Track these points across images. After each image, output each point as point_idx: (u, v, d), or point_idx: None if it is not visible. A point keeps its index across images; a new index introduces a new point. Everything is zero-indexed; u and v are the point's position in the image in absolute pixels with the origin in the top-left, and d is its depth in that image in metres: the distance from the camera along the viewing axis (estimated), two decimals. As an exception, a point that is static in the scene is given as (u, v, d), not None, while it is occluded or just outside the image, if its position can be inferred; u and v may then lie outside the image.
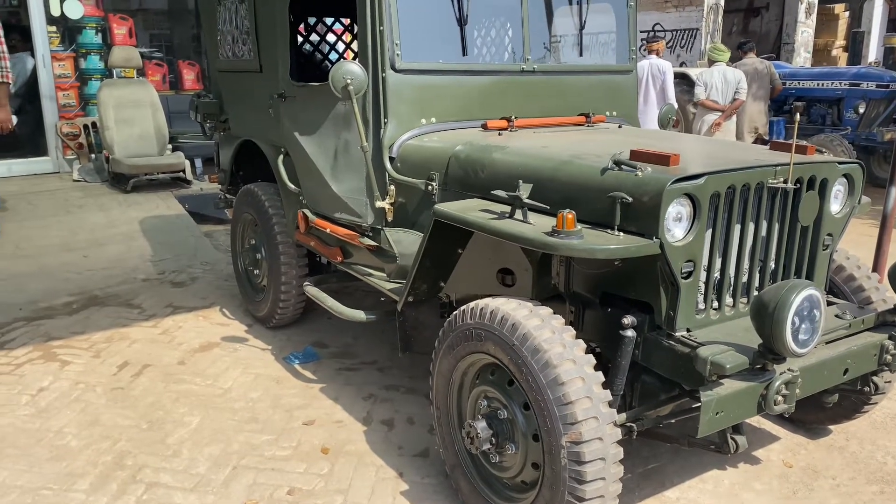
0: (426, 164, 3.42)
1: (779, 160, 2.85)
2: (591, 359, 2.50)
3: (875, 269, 3.90)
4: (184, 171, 8.01)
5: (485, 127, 3.62)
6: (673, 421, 2.84)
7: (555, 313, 3.07)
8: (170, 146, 8.19)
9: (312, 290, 4.01)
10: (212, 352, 4.52)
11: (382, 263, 3.65)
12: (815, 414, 3.68)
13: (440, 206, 3.00)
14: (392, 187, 3.52)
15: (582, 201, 2.75)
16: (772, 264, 3.00)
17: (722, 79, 9.10)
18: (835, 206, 3.13)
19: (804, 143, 3.13)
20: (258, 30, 4.37)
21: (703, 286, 2.78)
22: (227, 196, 5.34)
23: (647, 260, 2.63)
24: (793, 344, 2.34)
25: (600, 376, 2.47)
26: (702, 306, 2.79)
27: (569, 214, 2.53)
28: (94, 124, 8.32)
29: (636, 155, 2.74)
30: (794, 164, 2.83)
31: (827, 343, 2.80)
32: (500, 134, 3.53)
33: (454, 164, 3.31)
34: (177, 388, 4.04)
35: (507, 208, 2.80)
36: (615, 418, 2.45)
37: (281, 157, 4.26)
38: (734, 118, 9.56)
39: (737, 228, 2.81)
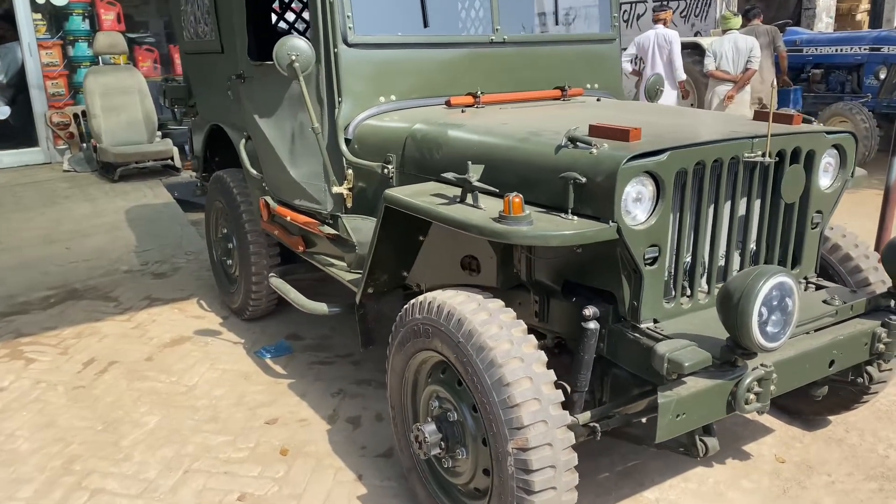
0: (383, 145, 3.19)
1: (758, 132, 2.58)
2: (542, 356, 2.27)
3: (877, 246, 3.61)
4: (172, 159, 7.84)
5: (448, 104, 3.37)
6: (644, 420, 2.61)
7: (520, 303, 2.88)
8: (159, 133, 8.02)
9: (276, 282, 3.82)
10: (182, 346, 4.35)
11: (342, 253, 3.44)
12: (811, 405, 3.42)
13: (390, 191, 2.78)
14: (350, 171, 3.29)
15: (537, 183, 2.51)
16: (753, 246, 2.74)
17: (733, 48, 8.72)
18: (824, 180, 2.85)
19: (790, 111, 2.85)
20: (217, 7, 4.15)
21: (671, 273, 2.54)
22: (203, 183, 5.15)
23: (606, 246, 2.39)
24: (760, 337, 2.09)
25: (551, 375, 2.24)
26: (672, 295, 2.54)
27: (515, 198, 2.29)
28: (84, 113, 8.18)
29: (595, 130, 2.49)
30: (774, 135, 2.56)
31: (811, 332, 2.54)
32: (463, 111, 3.28)
33: (410, 145, 3.07)
34: (140, 386, 3.88)
35: (461, 192, 2.57)
36: (568, 421, 2.22)
37: (243, 141, 4.05)
38: (748, 89, 9.17)
39: (710, 208, 2.55)
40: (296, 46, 2.99)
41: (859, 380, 2.78)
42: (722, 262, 2.65)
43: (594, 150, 2.35)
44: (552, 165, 2.46)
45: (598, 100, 3.74)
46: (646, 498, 3.00)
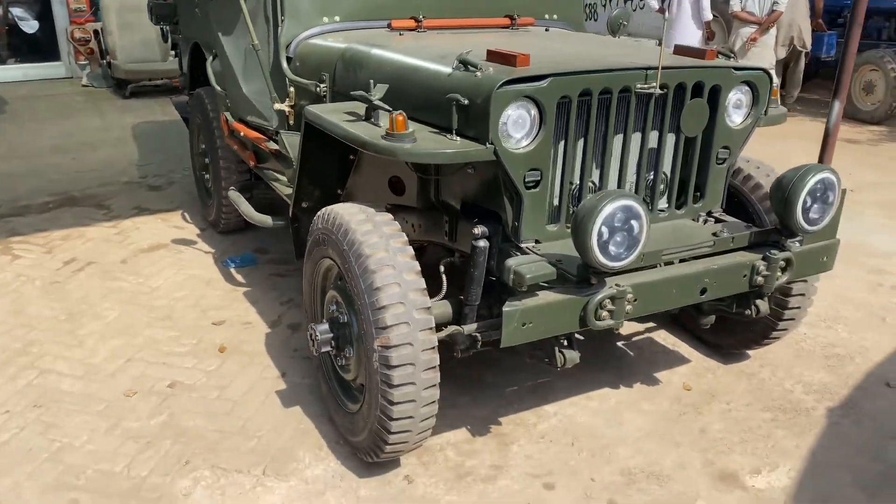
0: (320, 65, 3.33)
1: (655, 63, 2.63)
2: (415, 265, 2.44)
3: None
4: (184, 78, 8.06)
5: (390, 27, 3.47)
6: None
7: (435, 223, 3.04)
8: (173, 52, 8.20)
9: (232, 195, 4.03)
10: (157, 252, 4.65)
11: (284, 168, 3.62)
12: (728, 338, 3.54)
13: (311, 107, 2.93)
14: (291, 90, 3.44)
15: (434, 104, 2.63)
16: (650, 176, 2.83)
17: (759, -12, 8.45)
18: (735, 116, 2.90)
19: (703, 47, 2.88)
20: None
21: (556, 197, 2.66)
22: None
23: (493, 168, 2.52)
24: (600, 256, 2.22)
25: (419, 283, 2.41)
26: (557, 218, 2.67)
27: (399, 116, 2.43)
28: (103, 29, 8.43)
29: (491, 55, 2.59)
30: (670, 68, 2.62)
31: (688, 260, 2.64)
32: (401, 34, 3.38)
33: (340, 65, 3.20)
34: (109, 285, 4.19)
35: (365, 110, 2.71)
36: (430, 325, 2.39)
37: (210, 58, 4.22)
38: (773, 32, 8.90)
39: (598, 137, 2.64)
40: None
41: (746, 311, 2.88)
42: (627, 190, 2.75)
43: (478, 74, 2.45)
44: (445, 87, 2.57)
45: (546, 30, 3.79)
46: (545, 411, 3.19)
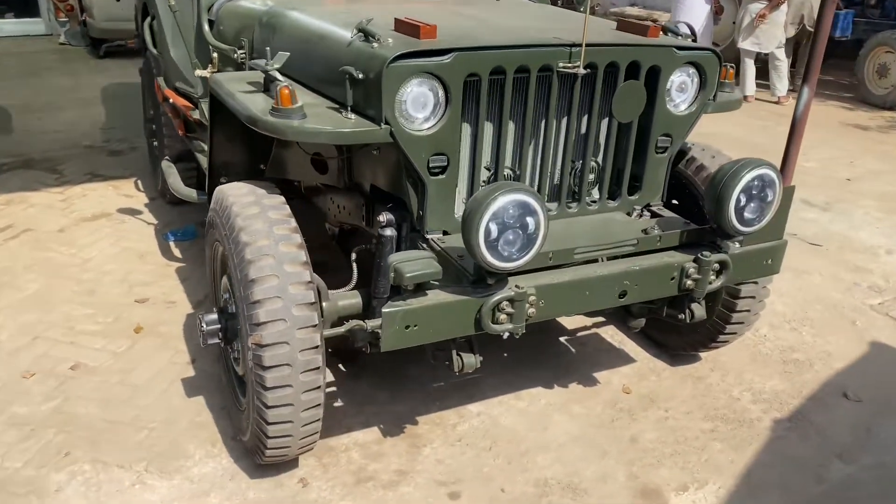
0: (241, 29, 3.09)
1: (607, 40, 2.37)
2: (299, 255, 2.21)
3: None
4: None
5: (325, -11, 3.21)
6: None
7: (356, 207, 2.81)
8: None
9: (164, 165, 3.82)
10: (98, 222, 4.46)
11: (206, 139, 3.39)
12: (674, 338, 3.30)
13: (217, 75, 2.70)
14: (215, 55, 3.21)
15: (333, 76, 2.38)
16: (577, 164, 2.58)
17: (770, -39, 8.04)
18: (679, 101, 2.63)
19: (650, 22, 2.61)
20: None
21: (465, 184, 2.42)
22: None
23: (394, 150, 2.28)
24: (489, 256, 1.98)
25: (302, 275, 2.18)
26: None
27: (284, 89, 2.19)
28: (84, -14, 8.18)
29: (399, 25, 2.33)
30: (596, 45, 2.35)
31: (608, 260, 2.40)
32: (333, -2, 3.12)
33: (258, 30, 2.96)
34: (39, 255, 4.01)
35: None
36: (313, 322, 2.17)
37: (148, 19, 3.98)
38: (783, 8, 8.49)
39: (515, 120, 2.39)
40: None
41: (680, 316, 2.64)
42: (542, 179, 2.51)
43: (374, 45, 2.20)
44: (343, 59, 2.32)
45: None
46: (468, 410, 2.98)
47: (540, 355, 3.32)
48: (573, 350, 3.42)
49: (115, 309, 3.50)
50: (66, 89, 6.89)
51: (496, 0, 3.47)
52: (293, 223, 2.29)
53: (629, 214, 2.67)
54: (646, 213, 2.69)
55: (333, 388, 3.03)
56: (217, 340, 2.50)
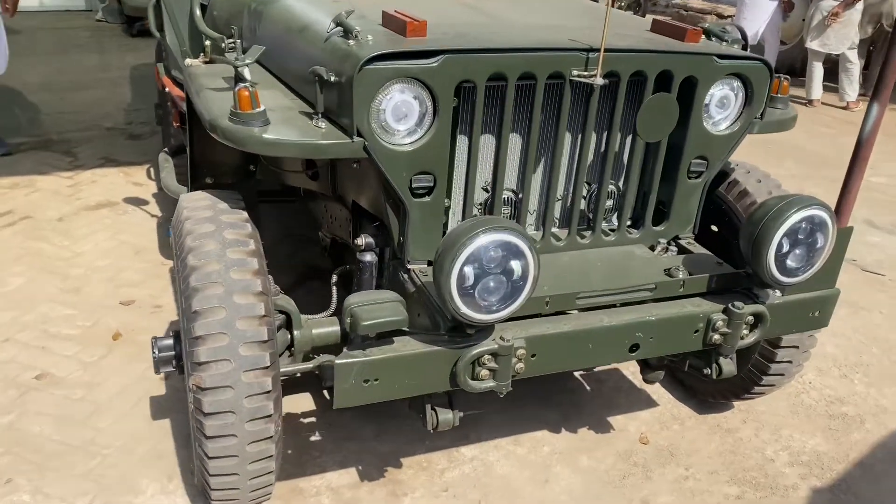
0: (232, 15, 2.79)
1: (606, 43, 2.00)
2: (255, 285, 1.91)
3: (837, 211, 2.90)
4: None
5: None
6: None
7: (346, 220, 2.50)
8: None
9: (162, 157, 3.56)
10: (100, 211, 4.25)
11: (196, 134, 3.11)
12: (705, 385, 2.91)
13: (195, 67, 2.42)
14: (208, 43, 2.91)
15: (308, 75, 2.06)
16: (593, 187, 2.21)
17: (845, -45, 7.43)
18: (718, 117, 2.24)
19: (684, 25, 2.21)
20: None
21: (459, 208, 2.08)
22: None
23: (373, 165, 1.95)
24: (463, 307, 1.64)
25: (256, 308, 1.88)
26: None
27: (244, 91, 1.88)
28: (123, -39, 8.03)
29: (387, 19, 2.00)
30: (616, 50, 1.98)
31: (619, 306, 2.03)
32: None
33: (246, 17, 2.65)
34: (31, 246, 3.81)
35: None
36: (265, 364, 1.87)
37: (152, 1, 3.71)
38: (859, 6, 7.84)
39: (519, 135, 2.04)
40: None
41: (705, 371, 2.25)
42: (549, 203, 2.15)
43: (351, 42, 1.87)
44: (318, 56, 2.00)
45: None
46: (461, 454, 2.66)
47: (550, 391, 2.96)
48: (588, 388, 3.05)
49: (96, 311, 3.27)
50: (93, 68, 6.74)
51: None
52: (252, 245, 1.99)
53: (653, 248, 2.29)
54: (673, 246, 2.31)
55: (313, 419, 2.74)
56: (171, 369, 2.21)
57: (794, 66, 9.14)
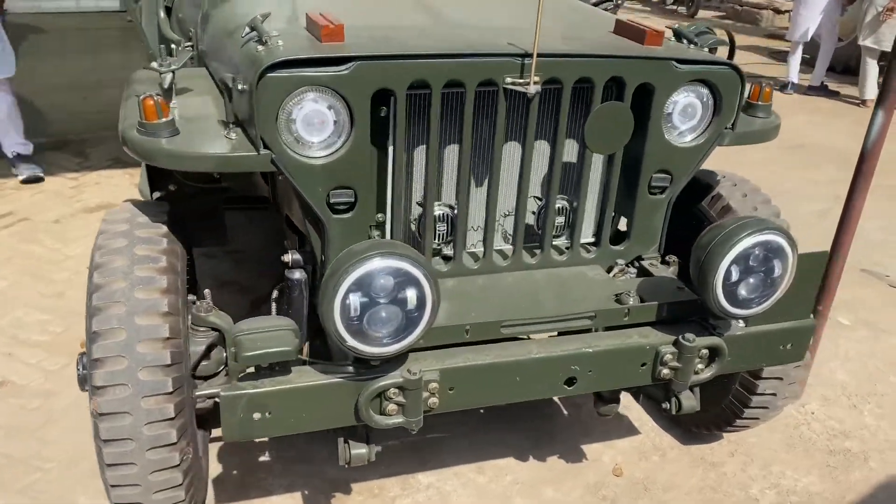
0: (190, 19, 2.70)
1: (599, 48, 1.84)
2: (161, 305, 1.80)
3: (837, 240, 2.62)
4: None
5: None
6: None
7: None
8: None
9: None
10: (98, 214, 4.23)
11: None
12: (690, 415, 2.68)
13: (141, 71, 2.34)
14: (173, 47, 2.83)
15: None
16: (535, 205, 2.04)
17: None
18: (683, 128, 2.04)
19: (645, 25, 2.01)
20: None
21: (385, 226, 1.93)
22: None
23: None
24: (350, 339, 1.50)
25: (159, 330, 1.77)
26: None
27: (147, 100, 1.78)
28: (158, -38, 8.10)
29: (309, 23, 1.87)
30: (569, 56, 1.81)
31: (556, 335, 1.86)
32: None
33: (200, 20, 2.56)
34: (23, 248, 3.82)
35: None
36: (167, 389, 1.76)
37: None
38: (917, 2, 7.36)
39: (452, 146, 1.89)
40: None
41: (664, 406, 2.05)
42: (489, 219, 1.99)
43: (260, 48, 1.75)
44: (237, 62, 1.89)
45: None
46: (417, 480, 2.51)
47: (520, 415, 2.78)
48: (565, 412, 2.87)
49: (71, 317, 3.23)
50: (118, 67, 6.75)
51: None
52: (163, 262, 1.88)
53: (610, 269, 2.10)
54: (632, 268, 2.12)
55: (264, 437, 2.63)
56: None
57: (849, 63, 8.66)
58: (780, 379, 2.31)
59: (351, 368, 1.65)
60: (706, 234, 1.73)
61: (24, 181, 4.53)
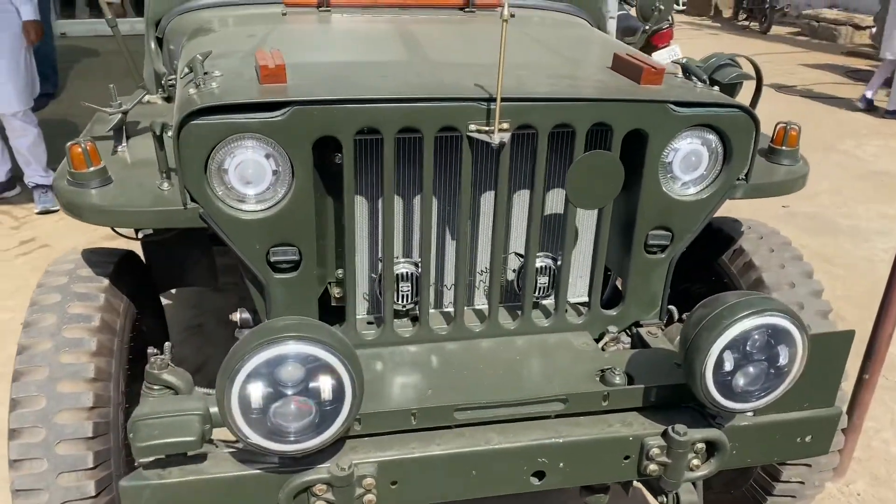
0: (175, 50, 2.57)
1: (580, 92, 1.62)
2: (87, 371, 1.65)
3: (884, 303, 2.27)
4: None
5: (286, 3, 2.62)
6: None
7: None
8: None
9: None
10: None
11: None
12: (705, 493, 2.37)
13: (148, 98, 2.25)
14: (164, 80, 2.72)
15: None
16: (517, 262, 1.80)
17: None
18: (686, 178, 1.77)
19: (651, 63, 1.76)
20: None
21: (336, 287, 1.73)
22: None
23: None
24: (252, 435, 1.28)
25: (83, 398, 1.61)
26: (356, 317, 1.74)
27: (75, 148, 1.63)
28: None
29: (256, 62, 1.69)
30: (543, 100, 1.58)
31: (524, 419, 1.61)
32: (284, 14, 2.52)
33: (179, 56, 2.42)
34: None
35: None
36: (87, 465, 1.59)
37: None
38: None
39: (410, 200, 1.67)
40: None
41: (659, 499, 1.76)
42: (458, 278, 1.76)
43: (192, 91, 1.58)
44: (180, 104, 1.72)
45: (511, 15, 2.70)
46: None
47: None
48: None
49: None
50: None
51: (502, 19, 2.69)
52: (96, 321, 1.72)
53: (599, 338, 1.84)
54: (626, 337, 1.85)
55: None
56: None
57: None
58: (809, 466, 1.99)
59: (277, 459, 1.44)
60: (696, 312, 1.46)
61: (40, 213, 4.53)
